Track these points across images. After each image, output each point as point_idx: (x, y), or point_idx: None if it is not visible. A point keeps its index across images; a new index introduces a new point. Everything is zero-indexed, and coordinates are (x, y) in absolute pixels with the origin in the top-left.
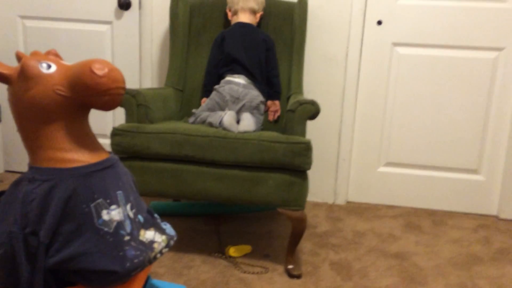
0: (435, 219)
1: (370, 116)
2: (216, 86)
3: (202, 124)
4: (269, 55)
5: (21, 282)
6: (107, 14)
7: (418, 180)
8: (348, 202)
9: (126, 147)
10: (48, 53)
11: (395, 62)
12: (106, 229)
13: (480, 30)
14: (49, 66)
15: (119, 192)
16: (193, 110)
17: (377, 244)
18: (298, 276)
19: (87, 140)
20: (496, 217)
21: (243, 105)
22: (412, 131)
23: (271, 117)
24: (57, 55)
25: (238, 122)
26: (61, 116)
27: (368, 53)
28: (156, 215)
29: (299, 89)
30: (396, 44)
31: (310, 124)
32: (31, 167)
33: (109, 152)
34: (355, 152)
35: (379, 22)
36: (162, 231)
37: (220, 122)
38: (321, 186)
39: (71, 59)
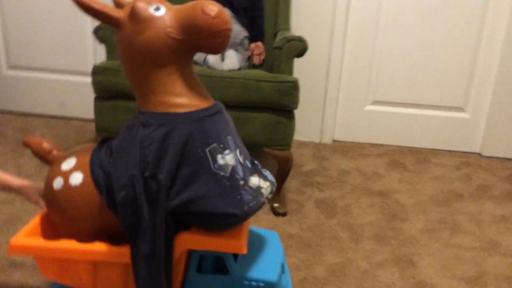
0: (419, 157)
1: (358, 54)
2: None
3: None
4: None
5: (143, 224)
6: None
7: (404, 118)
8: (335, 141)
9: (108, 86)
10: None
11: None
12: (222, 173)
13: None
14: (158, 8)
15: (229, 138)
16: None
17: (361, 182)
18: (284, 214)
19: (195, 85)
20: (479, 155)
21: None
22: (400, 69)
23: (256, 61)
24: None
25: (222, 59)
26: (172, 60)
27: None
28: (256, 162)
29: (287, 24)
30: None
31: (297, 61)
32: (142, 112)
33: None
34: (342, 91)
35: None
36: (264, 178)
37: (205, 60)
38: (307, 125)
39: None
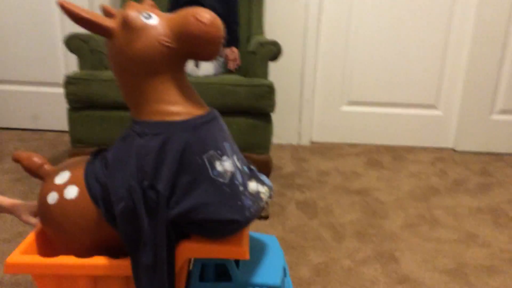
0: (395, 155)
1: (332, 55)
2: None
3: None
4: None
5: (143, 235)
6: None
7: (379, 118)
8: (312, 143)
9: (82, 96)
10: (144, 2)
11: (356, 0)
12: (221, 180)
13: None
14: (149, 16)
15: (226, 144)
16: None
17: (341, 182)
18: (266, 217)
19: (189, 92)
20: (452, 150)
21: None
22: (373, 69)
23: (231, 66)
24: (153, 5)
25: (197, 66)
26: (165, 69)
27: None
28: (253, 167)
29: (260, 29)
30: None
31: (272, 65)
32: (137, 122)
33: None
34: (318, 93)
35: None
36: (262, 182)
37: None
38: (285, 128)
39: (15, 4)
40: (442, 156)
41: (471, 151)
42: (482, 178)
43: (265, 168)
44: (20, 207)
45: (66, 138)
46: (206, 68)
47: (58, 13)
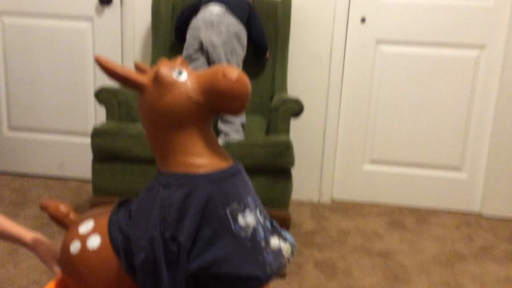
0: (419, 217)
1: (354, 113)
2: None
3: None
4: (250, 16)
5: (162, 287)
6: (88, 10)
7: (402, 178)
8: (333, 200)
9: (106, 149)
10: (175, 60)
11: (378, 60)
12: (243, 234)
13: (462, 28)
14: (180, 73)
15: (249, 197)
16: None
17: (362, 243)
18: (282, 276)
19: (214, 146)
20: (478, 215)
21: (221, 32)
22: (396, 128)
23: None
24: (183, 63)
25: (229, 136)
26: (193, 122)
27: (352, 51)
28: (275, 223)
29: (283, 87)
30: (379, 42)
31: (294, 122)
32: (162, 173)
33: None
34: (339, 150)
35: (363, 20)
36: (284, 239)
37: None
38: (306, 184)
39: (52, 58)
40: (468, 221)
41: (498, 216)
42: (510, 245)
43: (283, 224)
44: (43, 247)
45: (89, 187)
46: (238, 137)
47: (91, 67)
